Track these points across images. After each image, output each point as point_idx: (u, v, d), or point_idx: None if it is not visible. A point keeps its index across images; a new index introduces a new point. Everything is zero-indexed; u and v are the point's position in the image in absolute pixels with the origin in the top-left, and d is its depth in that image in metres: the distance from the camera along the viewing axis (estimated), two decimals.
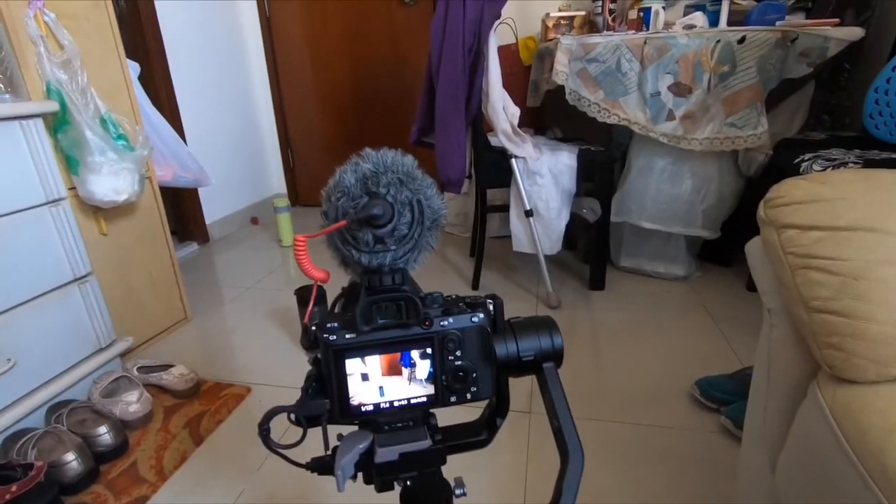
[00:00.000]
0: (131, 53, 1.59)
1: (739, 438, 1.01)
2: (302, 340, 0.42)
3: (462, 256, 2.13)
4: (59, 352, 1.17)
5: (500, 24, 1.55)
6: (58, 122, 1.17)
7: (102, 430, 1.05)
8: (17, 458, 0.97)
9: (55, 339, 1.16)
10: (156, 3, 2.05)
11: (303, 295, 1.39)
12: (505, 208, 1.72)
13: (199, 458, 1.07)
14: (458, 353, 0.41)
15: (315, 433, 0.41)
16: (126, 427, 1.13)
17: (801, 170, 1.34)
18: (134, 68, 1.52)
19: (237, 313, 1.73)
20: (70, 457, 0.97)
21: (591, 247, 1.80)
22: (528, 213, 1.61)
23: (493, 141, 1.64)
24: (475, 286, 1.81)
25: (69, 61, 1.20)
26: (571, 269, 1.95)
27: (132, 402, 1.15)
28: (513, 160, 1.59)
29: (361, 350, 0.39)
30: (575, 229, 1.79)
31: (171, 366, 1.30)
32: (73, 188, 1.24)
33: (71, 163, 1.21)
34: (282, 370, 1.37)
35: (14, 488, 0.86)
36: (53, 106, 1.14)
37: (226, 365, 1.42)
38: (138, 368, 1.32)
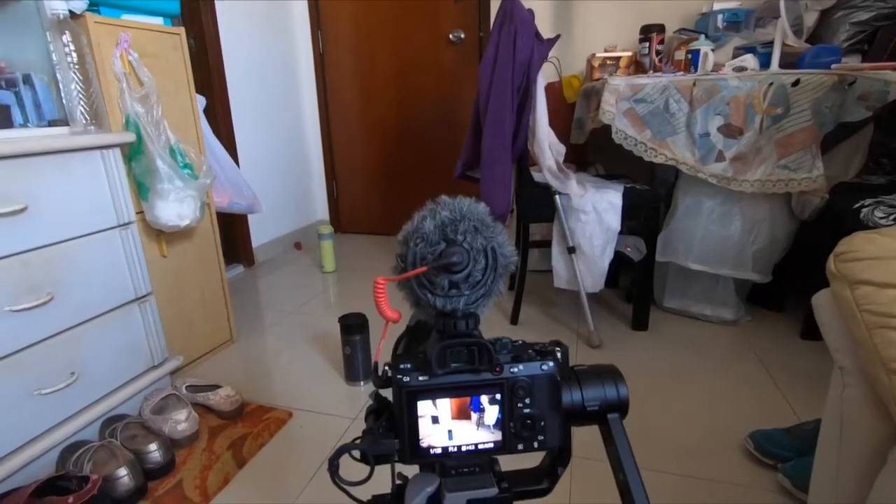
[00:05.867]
0: (198, 88, 1.70)
1: (799, 499, 0.95)
2: (373, 378, 0.43)
3: None
4: (117, 367, 1.23)
5: (545, 63, 1.59)
6: (133, 152, 1.26)
7: (153, 447, 1.09)
8: (74, 470, 1.01)
9: (114, 356, 1.22)
10: (222, 41, 2.20)
11: (346, 323, 1.43)
12: (546, 243, 1.72)
13: (241, 481, 1.09)
14: (528, 401, 0.41)
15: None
16: (173, 445, 1.17)
17: (862, 216, 1.30)
18: (201, 102, 1.62)
19: (279, 337, 1.77)
20: (122, 472, 1.01)
21: (635, 286, 1.77)
22: (571, 250, 1.61)
23: (537, 177, 1.65)
24: (514, 321, 1.80)
25: (147, 96, 1.29)
26: (613, 308, 1.91)
27: (181, 421, 1.19)
28: (556, 196, 1.60)
29: (433, 393, 0.40)
30: (618, 267, 1.77)
31: (218, 386, 1.34)
32: (140, 212, 1.32)
33: (142, 189, 1.29)
34: (321, 397, 1.38)
35: (71, 500, 0.89)
36: (131, 137, 1.23)
37: (268, 388, 1.45)
38: (186, 387, 1.36)
